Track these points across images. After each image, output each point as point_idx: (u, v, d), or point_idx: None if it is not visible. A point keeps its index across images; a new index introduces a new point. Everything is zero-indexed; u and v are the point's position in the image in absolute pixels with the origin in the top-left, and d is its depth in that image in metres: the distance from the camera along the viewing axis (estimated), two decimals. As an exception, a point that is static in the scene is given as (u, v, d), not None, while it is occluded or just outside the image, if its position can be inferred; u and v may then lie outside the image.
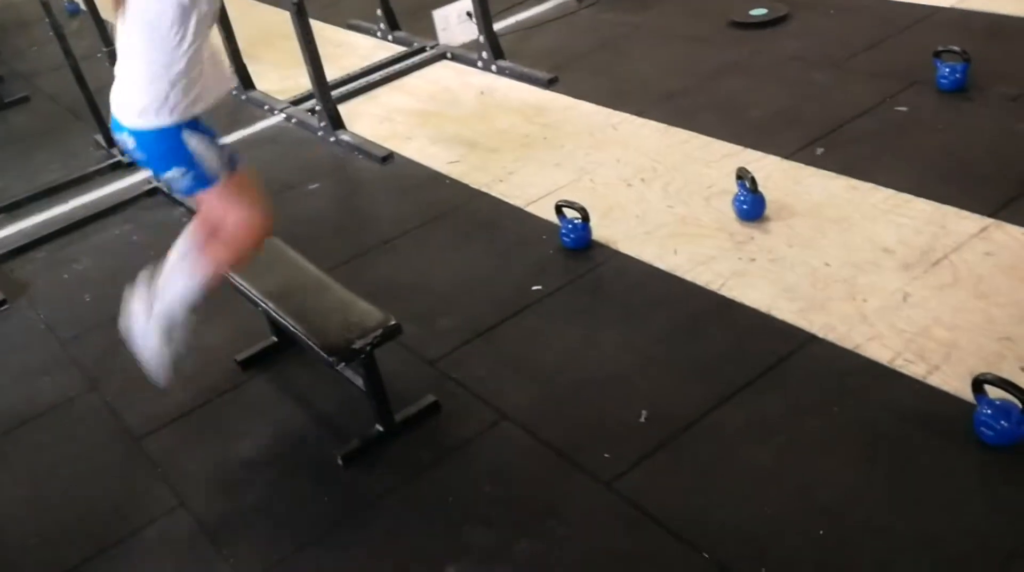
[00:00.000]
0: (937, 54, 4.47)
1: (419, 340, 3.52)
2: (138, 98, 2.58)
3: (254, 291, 3.24)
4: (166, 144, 2.61)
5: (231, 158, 2.72)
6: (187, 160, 2.62)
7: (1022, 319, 3.05)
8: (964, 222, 3.55)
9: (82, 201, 5.18)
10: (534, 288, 3.69)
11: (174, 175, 2.67)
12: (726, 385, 3.04)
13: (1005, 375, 2.70)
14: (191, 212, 4.67)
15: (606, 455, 2.89)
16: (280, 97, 5.87)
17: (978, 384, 2.68)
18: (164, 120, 2.57)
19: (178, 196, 2.77)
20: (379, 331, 2.92)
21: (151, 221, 4.81)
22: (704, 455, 2.83)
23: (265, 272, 3.35)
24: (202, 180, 2.67)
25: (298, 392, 3.46)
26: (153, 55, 2.51)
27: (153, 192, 5.03)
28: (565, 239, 3.88)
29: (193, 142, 2.61)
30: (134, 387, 3.60)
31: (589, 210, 3.86)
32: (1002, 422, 2.61)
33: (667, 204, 4.04)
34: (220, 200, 2.75)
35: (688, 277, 3.57)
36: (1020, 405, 2.60)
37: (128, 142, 2.67)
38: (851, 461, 2.71)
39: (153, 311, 2.85)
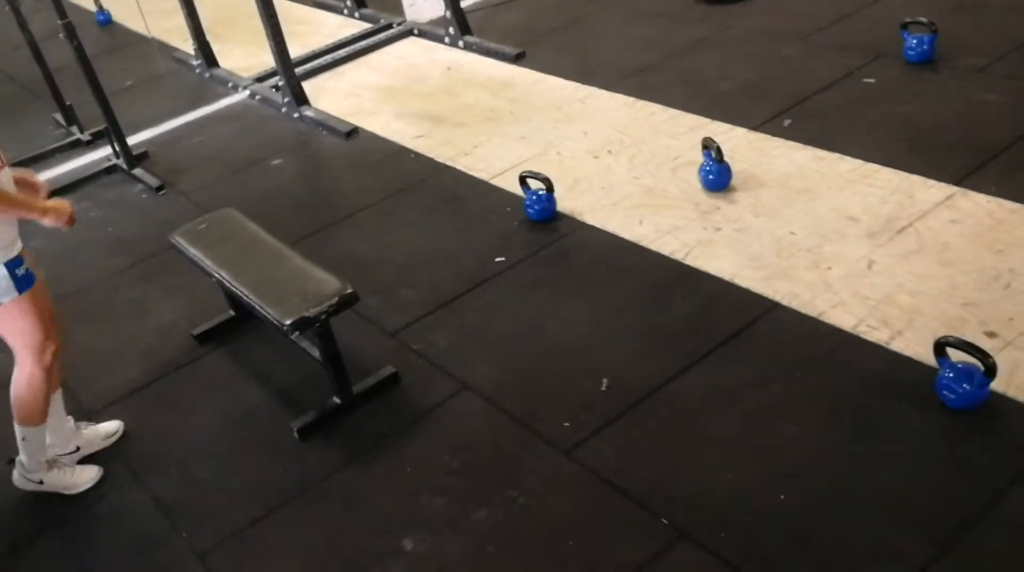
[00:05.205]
0: (904, 26, 4.45)
1: (380, 312, 3.46)
2: None
3: (207, 261, 3.17)
4: None
5: None
6: None
7: (986, 285, 3.03)
8: (930, 191, 3.52)
9: (40, 179, 5.05)
10: (497, 259, 3.64)
11: None
12: (689, 353, 3.00)
13: (968, 339, 2.67)
14: (150, 190, 4.60)
15: (566, 424, 2.84)
16: (244, 74, 5.78)
17: (940, 347, 2.65)
18: None
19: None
20: (335, 299, 2.86)
21: (109, 198, 4.71)
22: (665, 423, 2.79)
23: (220, 243, 3.28)
24: None
25: (256, 366, 3.39)
26: None
27: (112, 170, 4.94)
28: (529, 210, 3.82)
29: None
30: (89, 363, 3.53)
31: (555, 182, 3.80)
32: (964, 385, 2.58)
33: (633, 175, 3.99)
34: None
35: (653, 247, 3.52)
36: (982, 367, 2.57)
37: None
38: (813, 427, 2.68)
39: None
